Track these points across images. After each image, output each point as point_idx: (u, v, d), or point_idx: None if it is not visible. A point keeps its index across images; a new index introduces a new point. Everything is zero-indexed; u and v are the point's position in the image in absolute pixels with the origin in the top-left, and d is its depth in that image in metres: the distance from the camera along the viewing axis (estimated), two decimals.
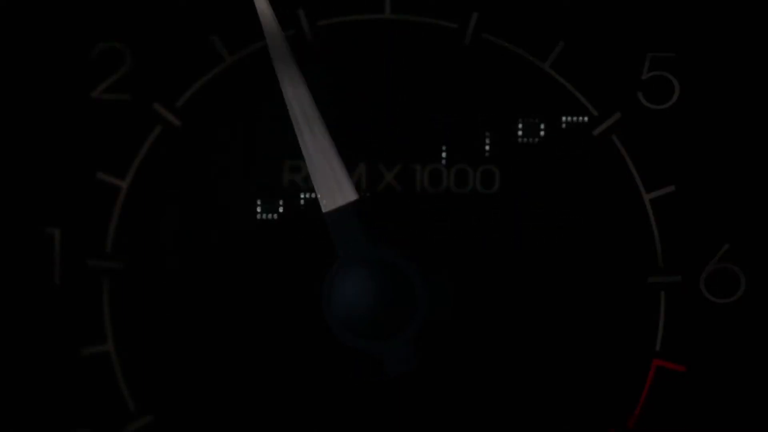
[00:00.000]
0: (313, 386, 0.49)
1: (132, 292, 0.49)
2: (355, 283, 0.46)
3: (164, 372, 0.49)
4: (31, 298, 0.49)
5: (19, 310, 0.49)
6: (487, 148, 0.50)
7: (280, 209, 0.49)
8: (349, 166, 0.49)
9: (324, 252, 0.48)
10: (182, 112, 0.49)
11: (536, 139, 0.50)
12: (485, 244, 0.49)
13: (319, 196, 0.46)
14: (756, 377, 0.49)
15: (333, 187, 0.46)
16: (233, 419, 0.49)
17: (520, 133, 0.50)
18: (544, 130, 0.50)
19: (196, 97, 0.49)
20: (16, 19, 0.49)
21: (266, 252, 0.49)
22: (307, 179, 0.49)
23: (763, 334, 0.49)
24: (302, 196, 0.50)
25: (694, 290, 0.49)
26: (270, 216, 0.49)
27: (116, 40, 0.49)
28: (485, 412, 0.49)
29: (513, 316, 0.49)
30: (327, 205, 0.46)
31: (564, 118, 0.50)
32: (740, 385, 0.49)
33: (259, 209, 0.49)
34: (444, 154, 0.50)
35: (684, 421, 0.49)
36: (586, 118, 0.50)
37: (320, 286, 0.47)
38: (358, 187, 0.49)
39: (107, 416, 0.49)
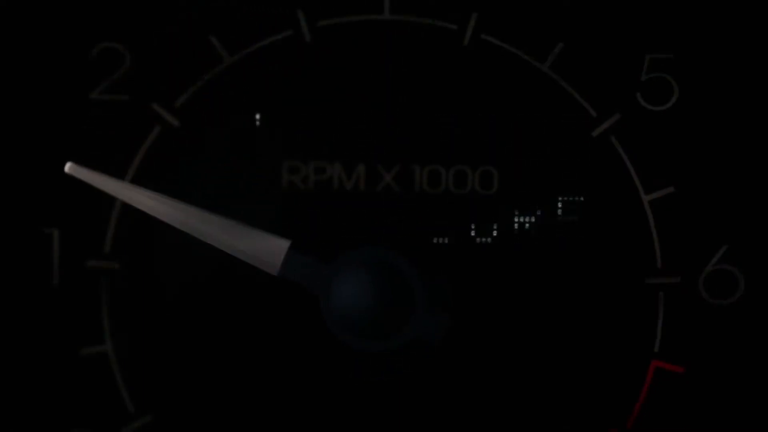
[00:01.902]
0: (313, 386, 0.49)
1: (131, 293, 0.49)
2: (352, 284, 0.46)
3: (163, 372, 0.49)
4: (29, 298, 0.49)
5: (18, 310, 0.49)
6: (486, 149, 0.50)
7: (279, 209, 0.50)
8: (348, 167, 0.49)
9: (324, 252, 0.48)
10: (181, 113, 0.49)
11: (535, 141, 0.50)
12: (483, 245, 0.49)
13: (260, 267, 0.46)
14: (754, 378, 0.49)
15: (264, 251, 0.46)
16: (232, 420, 0.49)
17: (519, 134, 0.50)
18: (543, 131, 0.50)
19: (195, 97, 0.49)
20: (15, 20, 0.48)
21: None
22: (306, 180, 0.49)
23: (761, 336, 0.49)
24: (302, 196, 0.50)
25: (693, 291, 0.49)
26: (270, 217, 0.49)
27: (115, 41, 0.49)
28: (484, 413, 0.49)
29: (512, 316, 0.49)
30: (273, 268, 0.46)
31: (563, 119, 0.50)
32: (739, 387, 0.49)
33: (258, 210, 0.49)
34: (443, 155, 0.50)
35: (682, 422, 0.49)
36: (585, 119, 0.50)
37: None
38: (356, 187, 0.49)
39: (106, 417, 0.49)
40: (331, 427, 0.49)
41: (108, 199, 0.49)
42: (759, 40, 0.49)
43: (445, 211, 0.50)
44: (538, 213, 0.50)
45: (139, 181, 0.49)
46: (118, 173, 0.49)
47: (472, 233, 0.49)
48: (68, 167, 0.46)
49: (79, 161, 0.48)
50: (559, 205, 0.50)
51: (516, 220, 0.50)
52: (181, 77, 0.49)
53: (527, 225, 0.50)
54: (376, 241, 0.49)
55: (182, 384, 0.49)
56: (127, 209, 0.49)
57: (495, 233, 0.49)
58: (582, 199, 0.50)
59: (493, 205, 0.50)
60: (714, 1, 0.49)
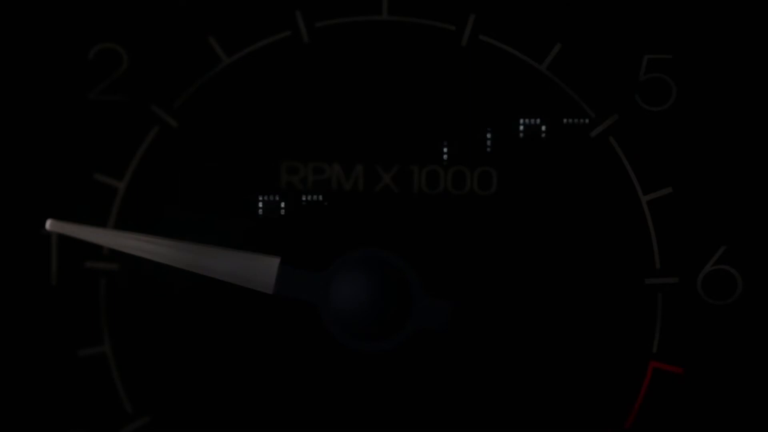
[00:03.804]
0: (312, 387, 0.49)
1: (129, 293, 0.49)
2: (349, 287, 0.46)
3: (161, 373, 0.49)
4: (28, 299, 0.49)
5: (16, 310, 0.49)
6: (485, 149, 0.50)
7: (282, 211, 0.49)
8: (347, 167, 0.49)
9: (324, 252, 0.48)
10: (179, 114, 0.49)
11: (534, 141, 0.50)
12: (482, 245, 0.49)
13: (255, 288, 0.46)
14: (753, 379, 0.49)
15: (255, 272, 0.46)
16: (231, 420, 0.49)
17: (517, 134, 0.50)
18: (542, 131, 0.50)
19: (194, 98, 0.49)
20: (13, 20, 0.49)
21: (265, 252, 0.49)
22: (305, 180, 0.49)
23: (760, 336, 0.49)
24: (304, 199, 0.50)
25: (691, 292, 0.49)
26: (269, 216, 0.49)
27: (113, 42, 0.49)
28: (483, 413, 0.49)
29: (510, 317, 0.49)
30: (268, 287, 0.46)
31: (561, 120, 0.50)
32: (738, 387, 0.49)
33: (261, 210, 0.49)
34: (442, 156, 0.50)
35: (681, 423, 0.49)
36: (583, 120, 0.50)
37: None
38: (355, 188, 0.49)
39: (104, 417, 0.49)
40: (330, 428, 0.49)
41: (107, 200, 0.49)
42: (758, 40, 0.49)
43: (444, 212, 0.50)
44: (537, 213, 0.50)
45: (136, 181, 0.49)
46: (116, 174, 0.49)
47: (471, 233, 0.49)
48: (48, 224, 0.46)
49: (78, 161, 0.49)
50: (558, 205, 0.50)
51: (514, 221, 0.50)
52: (179, 78, 0.49)
53: (525, 225, 0.49)
54: (375, 241, 0.49)
55: (180, 385, 0.49)
56: (126, 210, 0.49)
57: (493, 234, 0.49)
58: (580, 199, 0.50)
59: (491, 206, 0.50)
60: (712, 1, 0.49)
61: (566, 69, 0.49)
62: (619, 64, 0.49)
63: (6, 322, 0.49)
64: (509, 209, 0.50)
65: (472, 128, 0.49)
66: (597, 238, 0.49)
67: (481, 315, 0.49)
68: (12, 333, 0.49)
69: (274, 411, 0.49)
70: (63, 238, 0.49)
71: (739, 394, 0.49)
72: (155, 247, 0.46)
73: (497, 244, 0.49)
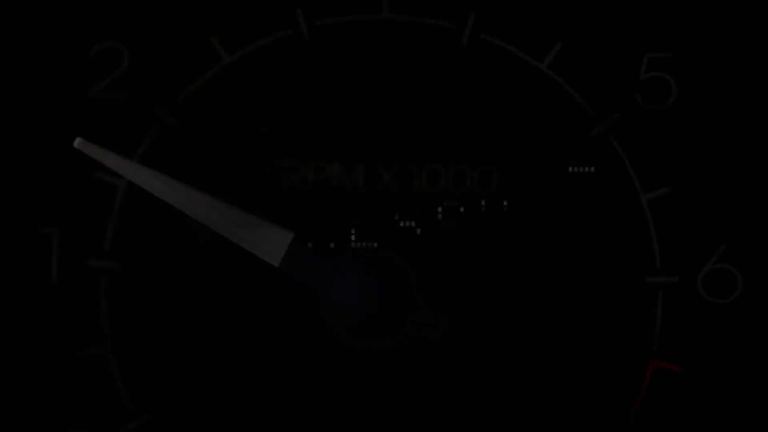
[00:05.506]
0: (314, 386, 0.49)
1: (130, 292, 0.49)
2: (352, 283, 0.46)
3: (162, 371, 0.49)
4: (28, 297, 0.49)
5: (17, 309, 0.49)
6: (485, 148, 0.50)
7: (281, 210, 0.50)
8: (348, 166, 0.49)
9: (323, 251, 0.48)
10: (180, 112, 0.49)
11: (534, 140, 0.50)
12: (482, 243, 0.49)
13: (262, 257, 0.46)
14: (754, 378, 0.49)
15: (267, 242, 0.46)
16: (232, 419, 0.49)
17: (517, 133, 0.50)
18: (542, 130, 0.50)
19: (194, 96, 0.49)
20: (13, 18, 0.49)
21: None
22: (305, 180, 0.49)
23: (760, 335, 0.49)
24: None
25: (692, 291, 0.49)
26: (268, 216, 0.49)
27: (114, 40, 0.49)
28: (481, 413, 0.49)
29: (510, 315, 0.49)
30: (275, 259, 0.46)
31: (561, 118, 0.50)
32: (738, 386, 0.49)
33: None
34: (442, 154, 0.50)
35: (681, 422, 0.49)
36: (583, 118, 0.50)
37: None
38: (355, 186, 0.50)
39: (104, 415, 0.49)
40: (331, 426, 0.49)
41: (108, 198, 0.49)
42: (759, 40, 0.49)
43: (445, 210, 0.50)
44: (537, 212, 0.50)
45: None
46: (116, 172, 0.49)
47: (471, 231, 0.49)
48: (77, 142, 0.46)
49: (78, 160, 0.49)
50: (558, 204, 0.50)
51: (514, 218, 0.50)
52: (179, 76, 0.49)
53: (526, 224, 0.49)
54: (376, 239, 0.49)
55: (181, 383, 0.49)
56: (128, 208, 0.49)
57: (493, 231, 0.49)
58: (581, 198, 0.50)
59: (492, 204, 0.50)
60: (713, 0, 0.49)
61: (567, 67, 0.50)
62: (619, 62, 0.50)
63: (6, 321, 0.49)
64: (509, 208, 0.50)
65: (473, 127, 0.50)
66: (597, 236, 0.49)
67: (480, 313, 0.49)
68: (12, 331, 0.49)
69: (274, 409, 0.49)
70: (64, 237, 0.49)
71: (739, 393, 0.49)
72: (175, 192, 0.46)
73: (497, 241, 0.49)
